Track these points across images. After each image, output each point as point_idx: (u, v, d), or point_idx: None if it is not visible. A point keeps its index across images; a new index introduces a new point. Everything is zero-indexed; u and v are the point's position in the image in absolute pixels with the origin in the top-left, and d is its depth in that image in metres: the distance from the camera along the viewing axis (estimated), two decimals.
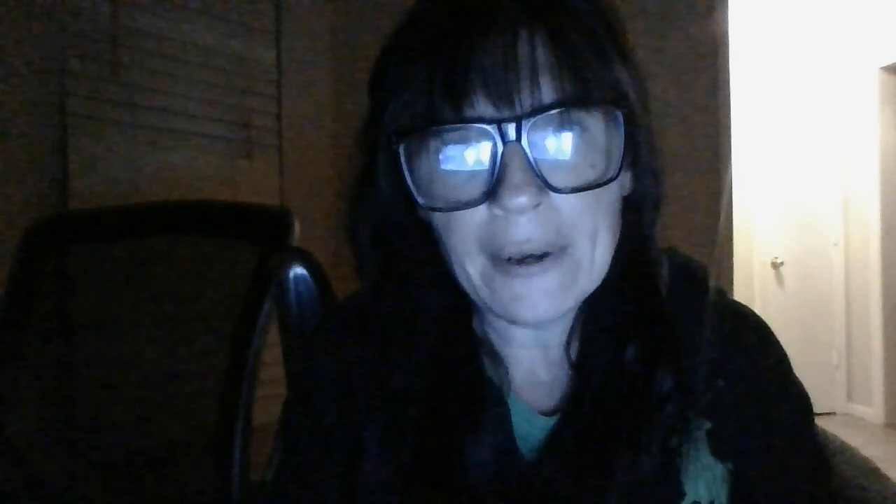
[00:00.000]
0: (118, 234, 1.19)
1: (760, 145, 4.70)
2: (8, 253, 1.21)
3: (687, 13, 2.22)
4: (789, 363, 0.62)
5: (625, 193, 0.56)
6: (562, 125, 0.50)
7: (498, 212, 0.50)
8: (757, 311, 0.64)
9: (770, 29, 4.37)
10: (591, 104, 0.50)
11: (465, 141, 0.51)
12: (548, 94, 0.49)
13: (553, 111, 0.49)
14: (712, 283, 0.61)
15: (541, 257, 0.51)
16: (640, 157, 0.55)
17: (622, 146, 0.51)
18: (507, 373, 0.58)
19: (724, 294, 0.62)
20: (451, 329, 0.58)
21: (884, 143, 4.28)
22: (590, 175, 0.51)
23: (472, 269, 0.53)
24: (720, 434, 0.57)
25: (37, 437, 1.17)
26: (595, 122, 0.51)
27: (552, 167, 0.50)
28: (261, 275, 0.98)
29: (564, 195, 0.50)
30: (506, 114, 0.49)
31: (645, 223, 0.58)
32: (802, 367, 0.63)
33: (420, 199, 0.52)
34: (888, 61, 4.21)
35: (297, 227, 1.01)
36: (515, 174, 0.48)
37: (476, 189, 0.51)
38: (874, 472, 0.70)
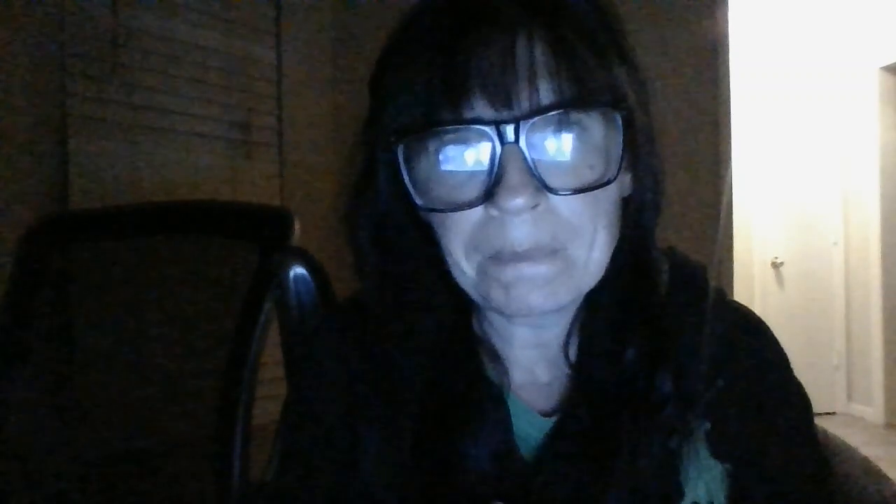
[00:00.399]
0: (118, 234, 1.19)
1: (760, 145, 4.70)
2: (8, 253, 1.21)
3: (687, 13, 2.22)
4: (789, 363, 0.62)
5: (625, 194, 0.56)
6: (560, 126, 0.50)
7: (495, 213, 0.50)
8: (757, 311, 0.63)
9: (770, 29, 4.37)
10: (589, 106, 0.50)
11: (463, 142, 0.51)
12: (546, 95, 0.49)
13: (551, 113, 0.49)
14: (712, 283, 0.61)
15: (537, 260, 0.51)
16: (639, 158, 0.55)
17: (621, 148, 0.50)
18: (507, 373, 0.58)
19: (723, 294, 0.62)
20: (450, 329, 0.59)
21: (884, 143, 4.28)
22: (588, 176, 0.51)
23: (467, 267, 0.53)
24: (719, 434, 0.57)
25: (37, 437, 1.17)
26: (594, 123, 0.51)
27: (550, 168, 0.50)
28: (261, 275, 0.98)
29: (562, 197, 0.50)
30: (504, 115, 0.49)
31: (645, 224, 0.58)
32: (802, 367, 0.63)
33: (418, 200, 0.52)
34: (888, 61, 4.21)
35: (297, 227, 1.01)
36: (513, 175, 0.48)
37: (474, 190, 0.51)
38: (874, 472, 0.70)
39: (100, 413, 1.15)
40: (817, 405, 0.62)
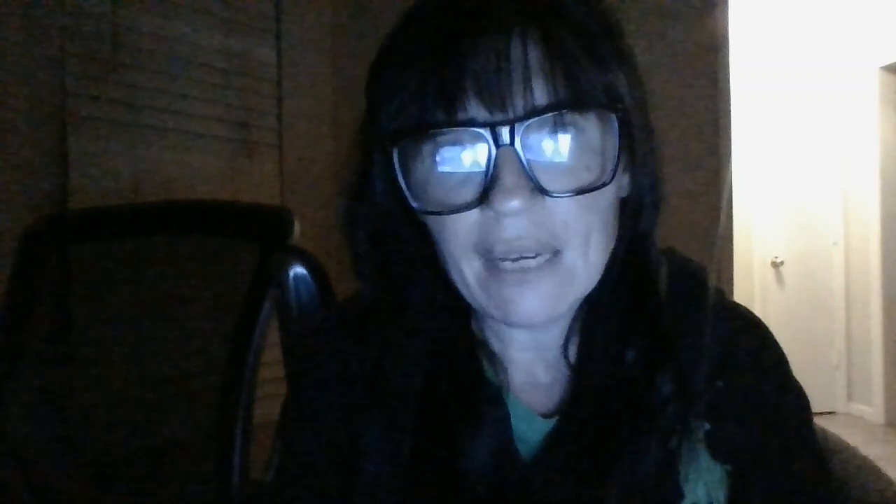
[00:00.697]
0: (118, 234, 1.19)
1: (760, 145, 4.70)
2: (8, 253, 1.21)
3: (687, 13, 2.22)
4: (788, 364, 0.62)
5: (623, 195, 0.56)
6: (555, 128, 0.49)
7: (491, 214, 0.50)
8: (757, 310, 0.64)
9: (770, 29, 4.37)
10: (584, 107, 0.50)
11: (458, 144, 0.50)
12: (540, 96, 0.49)
13: (546, 114, 0.48)
14: (711, 283, 0.60)
15: (534, 258, 0.51)
16: (638, 160, 0.55)
17: (617, 149, 0.50)
18: (506, 373, 0.58)
19: (722, 295, 0.62)
20: (449, 330, 0.59)
21: (884, 143, 4.28)
22: (585, 178, 0.50)
23: (467, 270, 0.53)
24: (719, 435, 0.57)
25: (37, 437, 1.17)
26: (589, 125, 0.50)
27: (546, 170, 0.49)
28: (261, 275, 0.98)
29: (558, 198, 0.50)
30: (498, 117, 0.49)
31: (644, 224, 0.57)
32: (802, 367, 0.63)
33: (414, 203, 0.52)
34: (888, 61, 4.21)
35: (297, 227, 1.01)
36: (508, 178, 0.48)
37: (469, 192, 0.50)
38: (874, 472, 0.70)
39: (100, 413, 1.15)
40: (817, 405, 0.62)
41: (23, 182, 1.62)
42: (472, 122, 0.49)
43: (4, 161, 1.58)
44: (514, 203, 0.48)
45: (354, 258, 0.58)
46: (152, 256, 1.14)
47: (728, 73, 2.28)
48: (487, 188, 0.49)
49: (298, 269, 0.95)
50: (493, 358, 0.59)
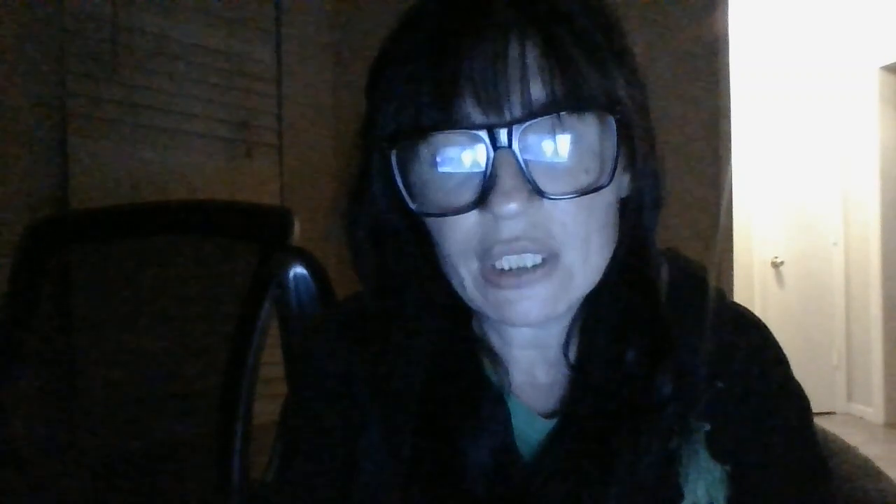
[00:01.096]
0: (118, 234, 1.19)
1: (760, 145, 4.70)
2: (8, 253, 1.21)
3: (687, 13, 2.22)
4: (788, 364, 0.62)
5: (623, 195, 0.56)
6: (553, 130, 0.49)
7: (489, 216, 0.50)
8: (757, 311, 0.63)
9: (770, 29, 4.37)
10: (582, 109, 0.49)
11: (455, 146, 0.50)
12: (538, 98, 0.48)
13: (544, 116, 0.48)
14: (712, 283, 0.60)
15: (532, 259, 0.51)
16: (638, 161, 0.54)
17: (615, 151, 0.50)
18: (507, 373, 0.58)
19: (723, 295, 0.61)
20: (449, 329, 0.58)
21: (884, 143, 4.28)
22: (583, 180, 0.50)
23: (465, 272, 0.53)
24: (719, 436, 0.57)
25: (37, 437, 1.17)
26: (588, 127, 0.50)
27: (544, 172, 0.49)
28: (261, 275, 0.99)
29: (556, 200, 0.50)
30: (495, 119, 0.48)
31: (644, 225, 0.57)
32: (802, 367, 0.63)
33: (413, 205, 0.52)
34: (888, 61, 4.21)
35: (297, 227, 1.01)
36: (506, 180, 0.48)
37: (467, 195, 0.50)
38: (874, 472, 0.70)
39: (100, 413, 1.15)
40: (817, 405, 0.62)
41: (23, 182, 1.62)
42: (469, 125, 0.49)
43: (4, 161, 1.58)
44: (512, 205, 0.48)
45: (355, 259, 0.58)
46: (152, 256, 1.14)
47: (728, 73, 2.29)
48: (485, 190, 0.49)
49: (298, 269, 0.95)
50: (494, 358, 0.59)
